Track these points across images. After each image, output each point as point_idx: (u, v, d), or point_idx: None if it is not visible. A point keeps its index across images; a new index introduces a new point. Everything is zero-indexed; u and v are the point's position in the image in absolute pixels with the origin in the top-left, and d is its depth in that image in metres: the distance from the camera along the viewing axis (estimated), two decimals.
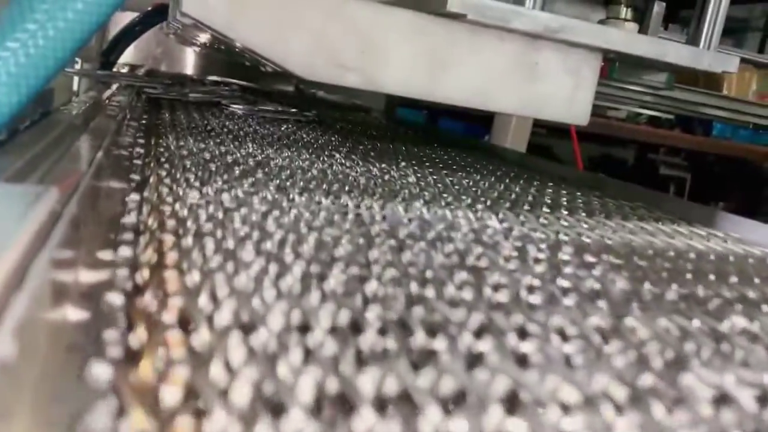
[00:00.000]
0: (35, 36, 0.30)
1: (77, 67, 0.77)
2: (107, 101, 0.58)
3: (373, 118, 1.06)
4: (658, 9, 0.58)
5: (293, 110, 0.81)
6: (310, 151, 0.53)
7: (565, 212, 0.42)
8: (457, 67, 0.51)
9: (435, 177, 0.49)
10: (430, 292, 0.23)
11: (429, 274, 0.25)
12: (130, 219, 0.27)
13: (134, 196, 0.29)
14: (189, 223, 0.26)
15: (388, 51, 0.49)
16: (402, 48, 0.49)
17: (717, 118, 1.52)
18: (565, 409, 0.17)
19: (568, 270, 0.29)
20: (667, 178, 2.30)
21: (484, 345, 0.19)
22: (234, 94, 0.85)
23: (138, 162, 0.37)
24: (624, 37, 0.52)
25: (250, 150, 0.48)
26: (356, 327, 0.19)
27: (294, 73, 0.47)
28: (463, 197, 0.42)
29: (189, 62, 1.06)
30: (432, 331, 0.20)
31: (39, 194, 0.21)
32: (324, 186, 0.38)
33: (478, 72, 0.51)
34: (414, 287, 0.23)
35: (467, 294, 0.24)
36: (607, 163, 2.31)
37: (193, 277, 0.21)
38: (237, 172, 0.38)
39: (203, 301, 0.20)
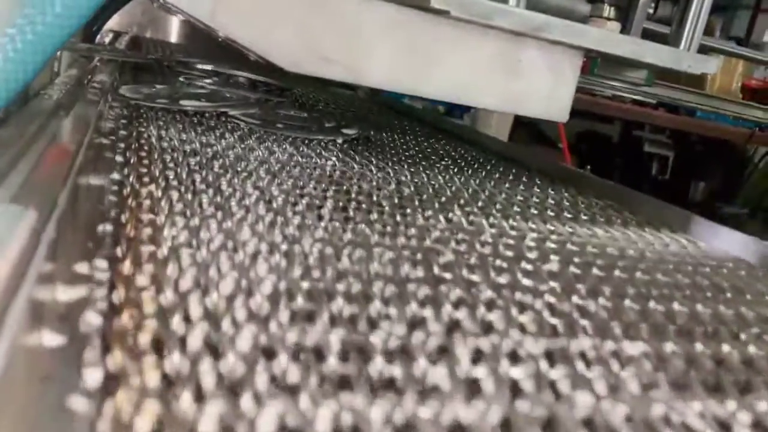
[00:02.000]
0: (24, 31, 0.30)
1: None
2: (88, 80, 0.58)
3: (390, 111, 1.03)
4: (643, 0, 0.59)
5: (330, 125, 0.61)
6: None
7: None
8: (440, 62, 0.51)
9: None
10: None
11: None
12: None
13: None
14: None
15: (371, 45, 0.49)
16: (385, 42, 0.50)
17: (699, 109, 1.53)
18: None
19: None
20: (651, 155, 2.33)
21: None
22: (238, 95, 0.65)
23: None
24: (605, 37, 0.53)
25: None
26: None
27: (278, 65, 0.48)
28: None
29: (174, 30, 1.05)
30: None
31: (18, 215, 0.22)
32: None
33: (461, 67, 0.52)
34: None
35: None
36: (593, 138, 2.33)
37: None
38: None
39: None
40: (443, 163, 0.58)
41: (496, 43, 0.52)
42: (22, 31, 0.29)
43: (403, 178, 0.47)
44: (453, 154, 0.63)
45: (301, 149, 0.50)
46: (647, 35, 0.59)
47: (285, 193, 0.37)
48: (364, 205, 0.38)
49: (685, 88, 1.38)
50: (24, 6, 0.30)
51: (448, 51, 0.51)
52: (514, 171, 0.59)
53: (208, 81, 0.68)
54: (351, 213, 0.36)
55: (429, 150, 0.63)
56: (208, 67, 0.72)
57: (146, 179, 0.34)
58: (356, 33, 0.49)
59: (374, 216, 0.36)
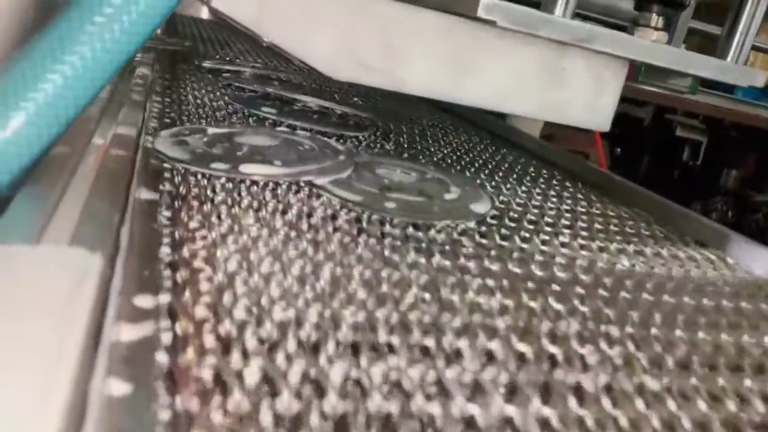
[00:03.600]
0: (84, 57, 0.30)
1: None
2: (130, 71, 0.58)
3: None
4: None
5: (452, 197, 0.43)
6: None
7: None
8: (482, 70, 0.51)
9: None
10: None
11: None
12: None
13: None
14: None
15: (413, 52, 0.49)
16: (427, 49, 0.49)
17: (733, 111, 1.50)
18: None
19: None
20: (683, 140, 2.29)
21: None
22: (319, 147, 0.48)
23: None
24: (651, 47, 0.52)
25: None
26: None
27: (319, 70, 0.48)
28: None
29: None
30: None
31: (86, 260, 0.23)
32: None
33: (503, 75, 0.51)
34: None
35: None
36: (624, 121, 2.29)
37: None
38: None
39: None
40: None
41: (539, 51, 0.51)
42: (83, 57, 0.30)
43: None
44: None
45: (427, 249, 0.33)
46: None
47: None
48: None
49: (727, 95, 1.34)
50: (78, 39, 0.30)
51: (490, 59, 0.51)
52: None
53: (268, 109, 0.53)
54: None
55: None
56: (268, 89, 0.56)
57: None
58: (398, 40, 0.49)
59: None
